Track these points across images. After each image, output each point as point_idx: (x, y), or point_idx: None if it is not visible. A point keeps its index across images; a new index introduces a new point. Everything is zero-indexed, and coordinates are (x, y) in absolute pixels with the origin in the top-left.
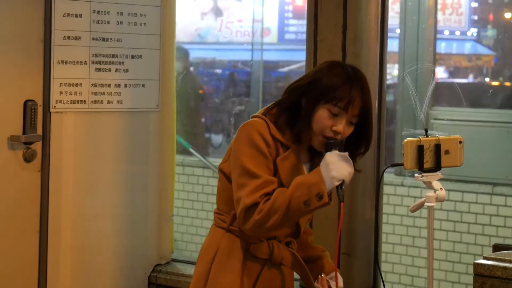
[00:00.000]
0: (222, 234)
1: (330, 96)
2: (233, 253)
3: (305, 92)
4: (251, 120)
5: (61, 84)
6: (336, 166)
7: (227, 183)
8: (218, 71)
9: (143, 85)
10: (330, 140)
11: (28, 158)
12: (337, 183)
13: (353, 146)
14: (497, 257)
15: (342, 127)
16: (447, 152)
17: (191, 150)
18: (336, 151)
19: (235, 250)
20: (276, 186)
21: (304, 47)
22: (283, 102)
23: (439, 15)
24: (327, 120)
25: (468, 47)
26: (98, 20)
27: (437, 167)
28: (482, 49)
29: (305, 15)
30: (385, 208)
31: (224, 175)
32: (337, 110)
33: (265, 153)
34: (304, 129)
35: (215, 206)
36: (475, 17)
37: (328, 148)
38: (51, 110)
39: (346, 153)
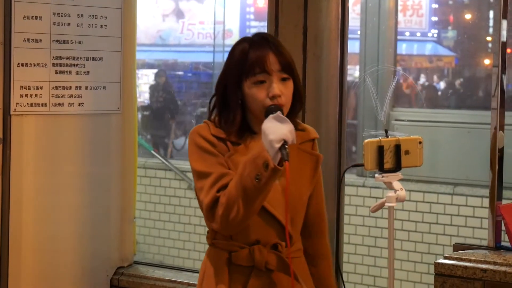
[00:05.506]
0: (209, 251)
1: (244, 71)
2: (218, 266)
3: (226, 83)
4: (193, 128)
5: (21, 87)
6: (272, 129)
7: None
8: (180, 73)
9: (104, 87)
10: (270, 106)
11: None
12: (277, 145)
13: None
14: (458, 256)
15: (277, 87)
16: (407, 152)
17: (153, 152)
18: (270, 115)
19: (220, 262)
20: (232, 177)
21: None
22: (216, 100)
23: (400, 17)
24: (260, 92)
25: (429, 48)
26: (59, 23)
27: (397, 167)
28: (442, 50)
29: (266, 17)
30: (347, 209)
31: None
32: (260, 76)
33: (212, 151)
34: (242, 117)
35: (177, 208)
36: (436, 19)
37: (267, 116)
38: (12, 113)
39: (278, 112)
